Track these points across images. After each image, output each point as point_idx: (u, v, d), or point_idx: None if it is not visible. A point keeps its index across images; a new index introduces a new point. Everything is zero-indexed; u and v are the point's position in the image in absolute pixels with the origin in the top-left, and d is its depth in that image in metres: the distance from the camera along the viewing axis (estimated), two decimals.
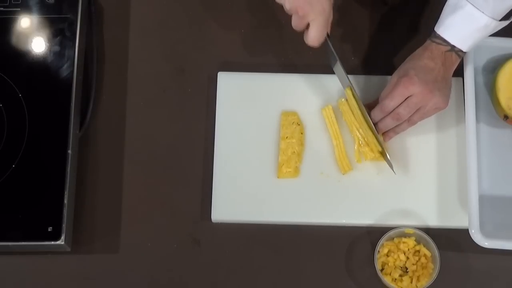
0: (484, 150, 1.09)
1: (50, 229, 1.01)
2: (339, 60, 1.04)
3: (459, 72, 1.09)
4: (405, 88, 1.00)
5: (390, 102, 1.02)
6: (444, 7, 1.00)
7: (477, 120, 1.07)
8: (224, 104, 1.11)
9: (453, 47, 1.00)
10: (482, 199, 1.03)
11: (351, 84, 1.06)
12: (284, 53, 1.15)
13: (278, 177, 1.07)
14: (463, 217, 1.03)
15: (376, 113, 1.05)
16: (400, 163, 1.07)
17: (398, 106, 1.01)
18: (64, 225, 1.01)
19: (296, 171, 1.07)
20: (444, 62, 1.01)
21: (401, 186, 1.07)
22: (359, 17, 1.17)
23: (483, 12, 0.97)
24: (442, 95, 1.02)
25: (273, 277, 1.05)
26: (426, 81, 1.00)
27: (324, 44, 1.00)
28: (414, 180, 1.07)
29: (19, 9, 1.12)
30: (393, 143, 1.08)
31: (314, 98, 1.11)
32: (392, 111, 1.02)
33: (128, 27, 1.17)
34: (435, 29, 1.01)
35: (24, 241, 1.02)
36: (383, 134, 1.06)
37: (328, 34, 1.00)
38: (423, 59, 1.01)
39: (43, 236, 1.01)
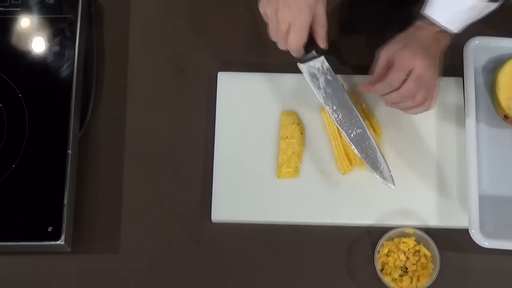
0: (484, 150, 1.09)
1: (50, 229, 1.01)
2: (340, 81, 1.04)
3: (459, 72, 1.09)
4: (409, 59, 0.96)
5: (395, 76, 0.97)
6: None
7: (477, 120, 1.07)
8: (224, 104, 1.11)
9: (442, 28, 0.98)
10: (482, 199, 1.03)
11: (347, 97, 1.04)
12: (284, 53, 1.15)
13: (278, 177, 1.07)
14: (463, 217, 1.03)
15: (383, 87, 0.99)
16: (400, 163, 1.07)
17: (406, 83, 0.97)
18: (64, 225, 1.01)
19: (296, 171, 1.07)
20: (437, 42, 0.99)
21: (401, 186, 1.07)
22: (358, 17, 1.17)
23: None
24: (437, 72, 0.99)
25: (273, 277, 1.05)
26: (424, 56, 0.97)
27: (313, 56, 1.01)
28: (414, 180, 1.07)
29: (19, 9, 1.12)
30: (393, 143, 1.08)
31: (314, 98, 1.11)
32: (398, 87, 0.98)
33: (128, 27, 1.17)
34: (422, 11, 0.99)
35: (24, 241, 1.02)
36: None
37: (318, 48, 1.00)
38: (419, 37, 0.99)
39: (43, 236, 1.01)
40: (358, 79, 1.11)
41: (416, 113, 1.02)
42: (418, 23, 1.00)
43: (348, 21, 1.17)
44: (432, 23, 0.99)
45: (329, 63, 1.04)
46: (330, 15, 1.16)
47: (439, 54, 1.01)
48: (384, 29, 1.16)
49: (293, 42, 0.97)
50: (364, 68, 1.13)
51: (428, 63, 0.97)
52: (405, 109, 1.02)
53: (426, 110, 1.01)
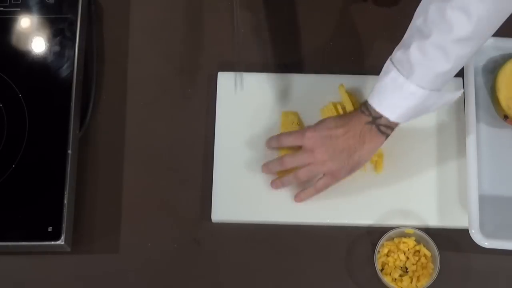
0: (484, 150, 1.09)
1: (50, 229, 1.01)
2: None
3: (459, 72, 1.08)
4: (300, 136, 1.00)
5: (284, 139, 1.02)
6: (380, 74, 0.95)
7: (477, 120, 1.07)
8: (224, 104, 1.11)
9: (376, 118, 0.95)
10: (482, 199, 1.03)
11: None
12: (284, 53, 1.15)
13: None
14: (463, 217, 1.03)
15: (271, 141, 1.05)
16: (400, 163, 1.07)
17: (290, 154, 1.01)
18: (64, 225, 1.01)
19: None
20: (359, 135, 0.96)
21: (401, 186, 1.07)
22: (358, 17, 1.17)
23: (407, 78, 0.90)
24: (335, 164, 0.98)
25: (273, 277, 1.05)
26: (322, 144, 0.98)
27: None
28: (414, 180, 1.07)
29: (19, 9, 1.12)
30: (394, 143, 1.07)
31: (314, 98, 1.11)
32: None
33: (128, 27, 1.17)
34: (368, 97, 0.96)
35: (24, 241, 1.02)
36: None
37: None
38: (336, 123, 0.98)
39: (43, 236, 1.01)
40: (359, 78, 1.11)
41: (301, 198, 1.04)
42: (362, 107, 0.97)
43: (348, 21, 1.17)
44: (367, 110, 0.95)
45: None
46: (330, 14, 1.17)
47: (359, 148, 0.97)
48: (384, 29, 1.17)
49: None
50: (363, 67, 1.13)
51: (321, 151, 0.98)
52: (286, 184, 1.04)
53: (306, 196, 1.04)
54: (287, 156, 1.02)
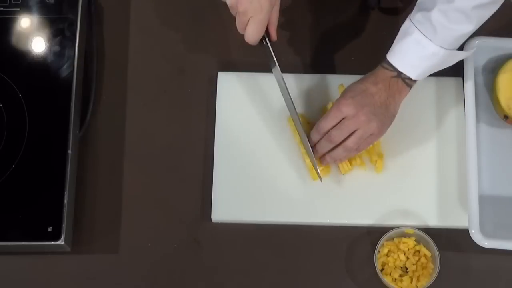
0: (484, 150, 1.09)
1: (50, 229, 1.01)
2: (277, 64, 1.03)
3: (459, 72, 1.09)
4: (338, 110, 0.99)
5: (324, 123, 1.01)
6: (398, 33, 0.99)
7: (477, 120, 1.07)
8: (224, 104, 1.11)
9: (399, 73, 0.99)
10: (482, 199, 1.03)
11: (288, 91, 1.04)
12: (284, 53, 1.15)
13: (313, 179, 1.06)
14: (463, 217, 1.03)
15: (314, 134, 1.03)
16: (400, 163, 1.07)
17: (332, 128, 1.00)
18: (64, 225, 1.01)
19: (328, 166, 1.06)
20: (388, 88, 0.99)
21: (401, 186, 1.07)
22: (358, 18, 1.17)
23: (430, 40, 0.95)
24: (379, 121, 0.99)
25: (273, 277, 1.05)
26: (362, 105, 0.98)
27: (263, 46, 1.01)
28: (414, 180, 1.07)
29: (19, 9, 1.12)
30: (393, 143, 1.08)
31: (314, 98, 1.11)
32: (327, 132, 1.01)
33: (128, 27, 1.17)
34: (386, 54, 1.00)
35: (24, 241, 1.02)
36: (320, 157, 1.05)
37: (268, 36, 1.00)
38: (366, 83, 1.00)
39: (43, 236, 1.01)
40: (359, 79, 1.11)
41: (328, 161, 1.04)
42: (378, 67, 1.01)
43: (348, 22, 1.17)
44: (389, 67, 0.99)
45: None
46: (330, 15, 1.17)
47: (390, 101, 1.00)
48: (384, 30, 1.17)
49: (251, 35, 0.97)
50: (363, 67, 1.13)
51: (362, 112, 0.98)
52: (336, 160, 1.04)
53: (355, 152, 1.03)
54: (333, 130, 1.00)
